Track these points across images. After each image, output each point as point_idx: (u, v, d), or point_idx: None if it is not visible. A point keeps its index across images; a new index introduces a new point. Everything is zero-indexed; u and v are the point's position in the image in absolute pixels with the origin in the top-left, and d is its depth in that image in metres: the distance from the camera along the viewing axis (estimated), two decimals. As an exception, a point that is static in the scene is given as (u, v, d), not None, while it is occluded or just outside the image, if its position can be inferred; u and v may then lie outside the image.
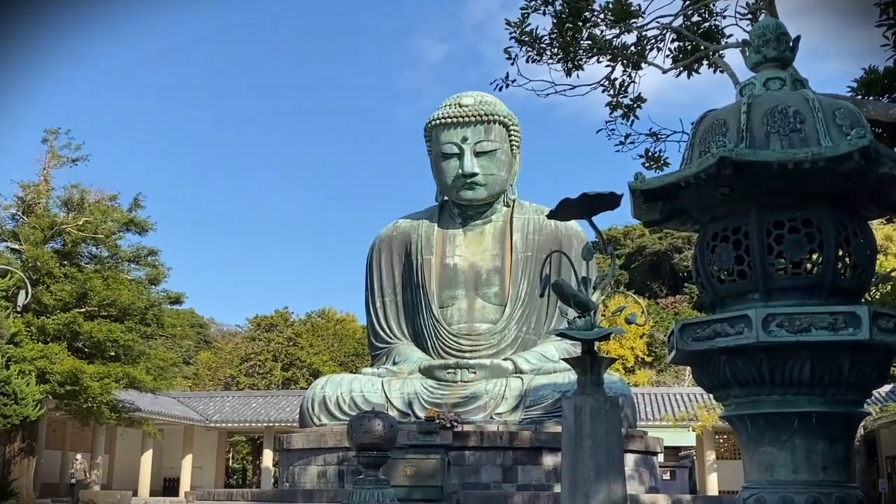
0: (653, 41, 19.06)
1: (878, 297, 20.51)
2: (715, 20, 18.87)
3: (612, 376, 22.06)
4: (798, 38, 6.65)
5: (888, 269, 32.82)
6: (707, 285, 6.28)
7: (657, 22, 18.74)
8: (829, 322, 5.64)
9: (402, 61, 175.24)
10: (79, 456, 41.76)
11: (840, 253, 5.96)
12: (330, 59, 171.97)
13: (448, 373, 22.67)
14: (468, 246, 25.11)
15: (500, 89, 19.32)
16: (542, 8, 18.51)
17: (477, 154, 24.25)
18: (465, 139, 24.27)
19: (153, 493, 55.11)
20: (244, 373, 70.76)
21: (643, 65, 18.99)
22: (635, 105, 19.12)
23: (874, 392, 7.98)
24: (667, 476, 43.88)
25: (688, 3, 18.59)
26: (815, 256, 5.96)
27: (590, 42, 18.57)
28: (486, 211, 25.24)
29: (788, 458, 5.88)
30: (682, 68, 18.72)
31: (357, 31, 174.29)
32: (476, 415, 21.66)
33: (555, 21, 18.41)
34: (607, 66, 19.04)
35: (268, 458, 57.25)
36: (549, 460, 20.55)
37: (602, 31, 18.66)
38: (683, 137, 18.13)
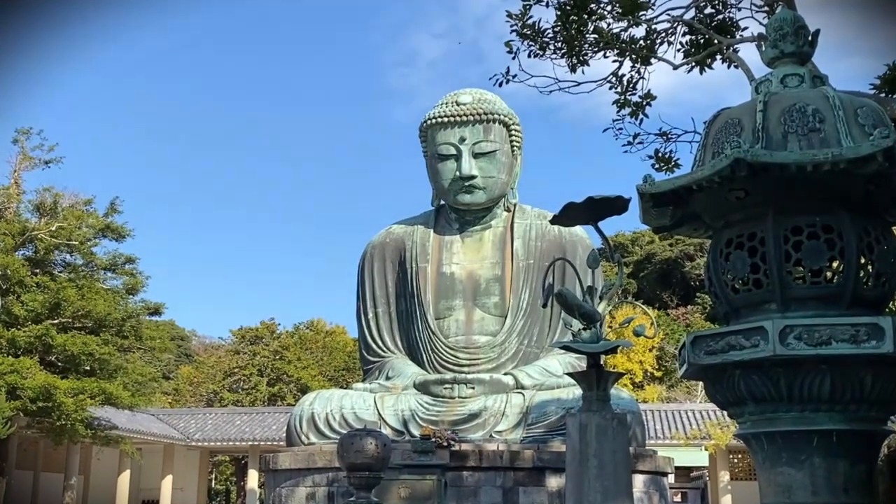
0: (663, 35, 19.11)
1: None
2: (729, 12, 18.91)
3: (619, 392, 22.01)
4: (817, 31, 6.66)
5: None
6: (720, 295, 6.28)
7: (668, 14, 18.78)
8: (850, 334, 5.64)
9: (397, 58, 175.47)
10: None
11: (862, 260, 5.96)
12: (319, 57, 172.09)
13: (445, 388, 22.62)
14: (466, 253, 25.06)
15: (500, 85, 19.34)
16: (546, -1, 18.58)
17: (475, 155, 24.20)
18: (462, 139, 24.21)
19: (130, 517, 55.14)
20: (228, 388, 70.67)
21: (653, 60, 19.02)
22: (644, 103, 19.15)
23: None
24: (678, 498, 43.97)
25: (700, -6, 18.64)
26: (835, 264, 5.96)
27: (596, 36, 18.60)
28: (485, 216, 25.19)
29: (807, 479, 5.88)
30: (693, 64, 18.74)
31: (348, 26, 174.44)
32: (475, 433, 21.61)
33: (559, 13, 18.44)
34: (614, 61, 19.07)
35: (253, 478, 57.18)
36: (553, 482, 20.52)
37: (609, 25, 18.68)
38: (695, 137, 18.15)
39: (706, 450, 50.30)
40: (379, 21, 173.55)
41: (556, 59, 19.06)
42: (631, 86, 19.13)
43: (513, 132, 24.84)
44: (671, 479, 24.67)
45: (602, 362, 9.33)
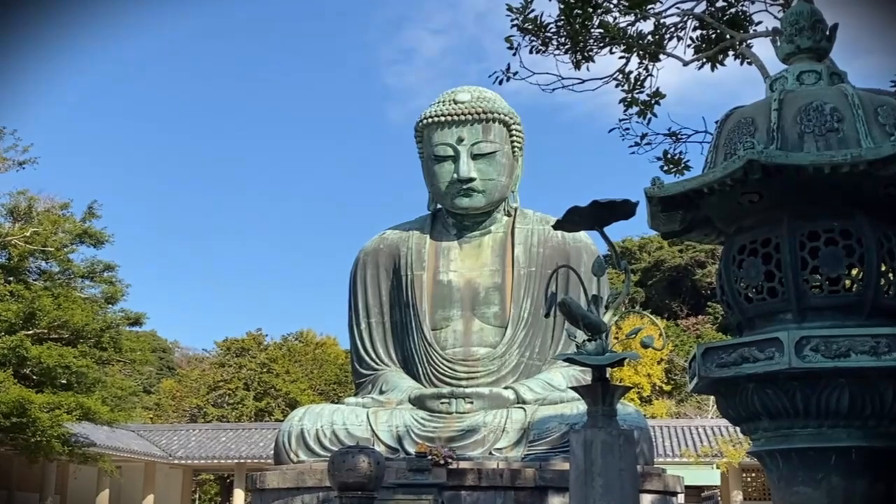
0: (672, 29, 19.11)
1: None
2: (742, 5, 18.90)
3: (626, 407, 22.00)
4: (835, 26, 6.66)
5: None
6: (733, 304, 6.27)
7: (677, 7, 18.79)
8: (870, 346, 5.63)
9: (393, 56, 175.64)
10: None
11: (883, 268, 5.95)
12: (311, 54, 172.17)
13: (442, 403, 22.58)
14: (464, 260, 25.02)
15: (501, 83, 19.34)
16: (548, -9, 18.60)
17: (474, 157, 24.13)
18: (460, 140, 24.15)
19: (109, 539, 55.06)
20: (212, 403, 70.67)
21: (661, 56, 19.02)
22: (652, 101, 19.14)
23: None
24: (688, 519, 43.85)
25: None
26: (854, 272, 5.96)
27: (601, 30, 18.60)
28: (484, 221, 25.15)
29: (824, 498, 5.87)
30: (704, 60, 18.75)
31: (341, 21, 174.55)
32: (473, 450, 21.58)
33: (562, 7, 18.42)
34: (621, 57, 19.07)
35: (239, 498, 57.16)
36: (556, 501, 20.50)
37: (615, 18, 18.69)
38: (706, 138, 18.16)
39: (718, 468, 50.30)
40: (374, 17, 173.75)
41: (559, 55, 19.07)
42: (638, 83, 19.13)
43: (514, 132, 24.79)
44: (681, 498, 24.64)
45: (608, 375, 9.32)
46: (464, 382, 23.36)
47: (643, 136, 19.15)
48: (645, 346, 10.06)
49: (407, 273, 25.09)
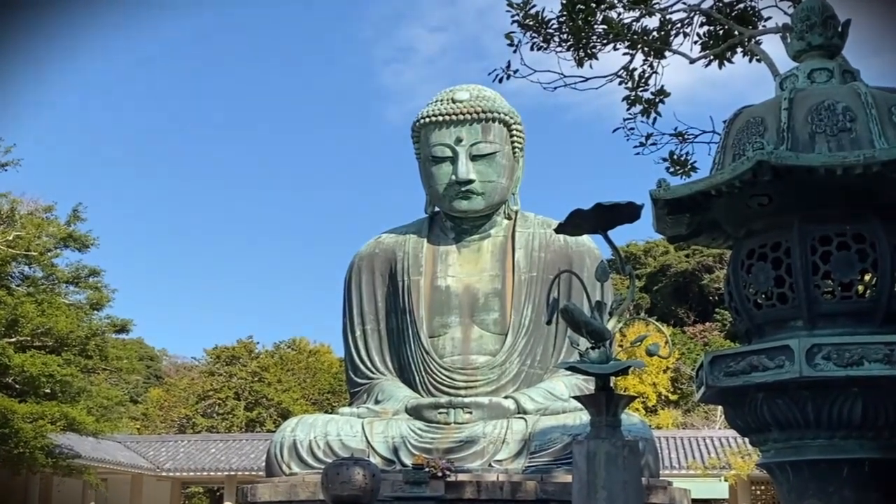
0: (678, 26, 19.11)
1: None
2: (751, 1, 18.91)
3: (630, 417, 21.97)
4: (848, 22, 6.65)
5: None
6: (742, 311, 6.27)
7: (683, 3, 18.78)
8: (883, 354, 5.62)
9: (390, 54, 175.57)
10: None
11: (897, 273, 5.95)
12: (305, 53, 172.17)
13: (439, 413, 22.55)
14: (463, 265, 24.96)
15: (501, 81, 19.35)
16: (550, -13, 18.58)
17: (473, 157, 24.06)
18: (459, 140, 24.08)
19: (94, 554, 54.99)
20: (201, 413, 70.61)
21: (667, 53, 19.01)
22: (657, 100, 19.13)
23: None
24: (695, 533, 43.79)
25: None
26: (867, 277, 5.95)
27: (605, 27, 18.60)
28: (483, 224, 25.09)
29: (837, 512, 5.87)
30: (712, 57, 18.74)
31: (337, 19, 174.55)
32: (472, 462, 21.56)
33: (564, 2, 18.42)
34: (625, 54, 19.07)
35: (229, 512, 57.21)
36: (558, 515, 20.49)
37: (619, 14, 18.69)
38: (714, 138, 18.15)
39: (726, 480, 50.27)
40: (370, 13, 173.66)
41: (561, 52, 19.06)
42: (643, 81, 19.11)
43: (514, 132, 24.73)
44: (688, 512, 24.60)
45: (612, 384, 9.31)
46: (462, 392, 23.33)
47: (648, 137, 19.15)
48: (650, 353, 10.05)
49: (403, 278, 25.05)
